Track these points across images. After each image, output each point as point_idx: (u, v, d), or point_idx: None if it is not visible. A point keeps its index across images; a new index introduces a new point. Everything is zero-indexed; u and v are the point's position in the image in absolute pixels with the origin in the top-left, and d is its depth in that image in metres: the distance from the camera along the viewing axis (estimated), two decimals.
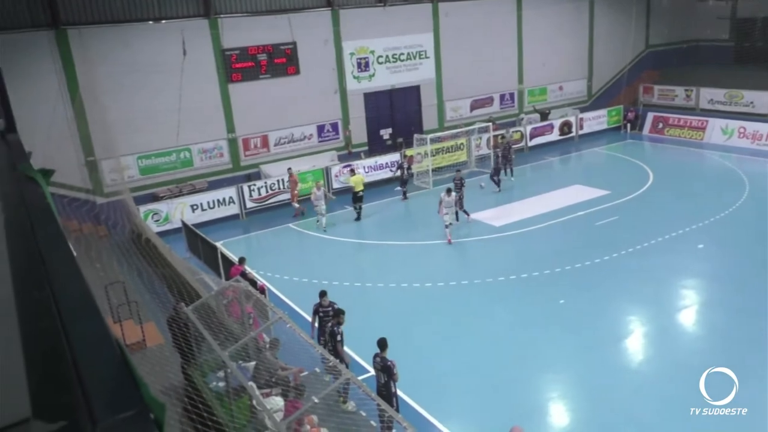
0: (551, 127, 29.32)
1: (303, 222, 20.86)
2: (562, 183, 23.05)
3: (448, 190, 18.12)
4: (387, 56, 26.41)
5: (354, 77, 25.76)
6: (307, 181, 22.50)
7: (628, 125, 30.43)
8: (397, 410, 8.87)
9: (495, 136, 26.17)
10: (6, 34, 18.23)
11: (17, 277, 1.53)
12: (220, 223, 21.09)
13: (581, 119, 30.12)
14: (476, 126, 26.40)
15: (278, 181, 22.40)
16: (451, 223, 17.92)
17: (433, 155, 24.68)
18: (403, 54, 26.82)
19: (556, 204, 20.33)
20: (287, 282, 15.89)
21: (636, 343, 12.32)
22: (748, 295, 13.19)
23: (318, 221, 20.04)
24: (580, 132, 29.90)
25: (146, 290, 13.90)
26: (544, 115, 29.78)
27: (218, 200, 21.53)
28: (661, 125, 29.74)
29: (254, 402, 7.95)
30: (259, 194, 22.25)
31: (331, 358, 8.15)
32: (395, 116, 27.34)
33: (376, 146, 26.68)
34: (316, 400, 7.64)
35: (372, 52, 26.01)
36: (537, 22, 29.79)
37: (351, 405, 9.62)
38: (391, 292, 15.02)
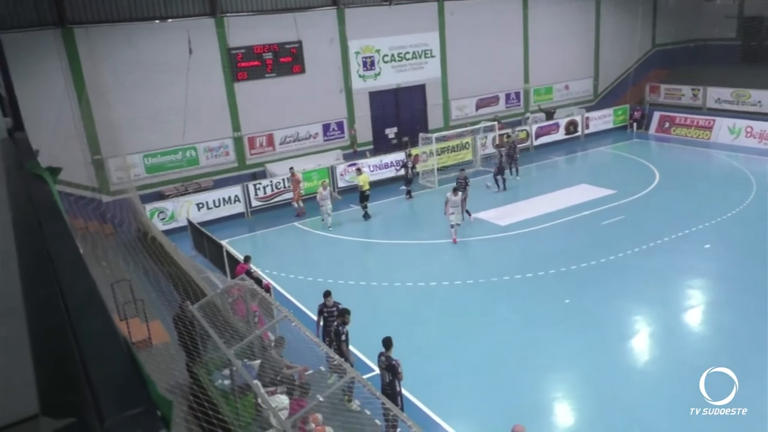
0: (557, 126, 29.24)
1: (308, 221, 20.88)
2: (568, 182, 22.97)
3: (455, 190, 18.08)
4: (392, 55, 26.39)
5: (359, 76, 25.76)
6: (312, 180, 22.54)
7: (635, 124, 30.30)
8: (402, 409, 8.87)
9: (500, 135, 26.12)
10: (13, 33, 18.30)
11: (25, 275, 1.54)
12: (226, 222, 21.14)
13: (587, 118, 30.01)
14: (482, 125, 26.36)
15: (283, 179, 22.42)
16: (458, 224, 17.84)
17: (439, 154, 24.66)
18: (408, 53, 26.79)
19: (562, 203, 20.27)
20: (292, 280, 15.91)
21: (642, 343, 12.27)
22: (755, 295, 13.10)
23: (323, 220, 20.05)
24: (586, 131, 29.80)
25: (152, 288, 13.93)
26: (549, 114, 29.71)
27: (224, 199, 21.58)
28: (667, 125, 29.61)
29: (259, 400, 7.96)
30: (265, 193, 22.28)
31: (336, 356, 8.16)
32: (400, 115, 27.31)
33: (381, 145, 26.67)
34: (321, 399, 7.65)
35: (377, 51, 25.99)
36: (543, 20, 29.70)
37: (356, 404, 9.63)
38: (396, 291, 15.01)
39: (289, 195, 22.08)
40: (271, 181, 22.49)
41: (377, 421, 8.80)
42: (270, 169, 23.70)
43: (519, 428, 7.52)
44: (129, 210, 19.86)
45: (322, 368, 10.11)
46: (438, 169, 24.06)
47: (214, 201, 21.39)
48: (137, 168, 21.62)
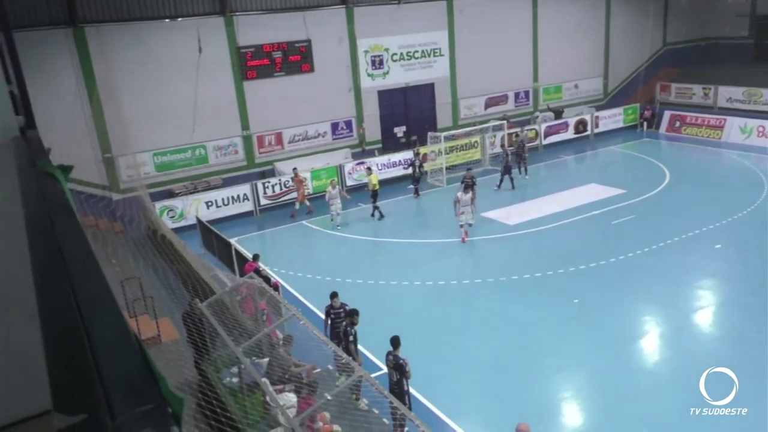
0: (566, 125, 29.10)
1: (316, 219, 20.91)
2: (578, 181, 22.86)
3: (465, 189, 18.01)
4: (401, 54, 26.37)
5: (368, 75, 25.76)
6: (321, 179, 22.56)
7: (645, 124, 30.11)
8: (410, 408, 8.88)
9: (509, 134, 26.03)
10: (25, 32, 18.45)
11: (37, 272, 1.55)
12: (235, 220, 21.21)
13: (597, 117, 29.86)
14: (490, 124, 26.28)
15: (292, 178, 22.47)
16: (470, 224, 17.69)
17: (447, 153, 24.61)
18: (417, 51, 26.75)
19: (571, 203, 20.18)
20: (301, 279, 15.94)
21: (651, 344, 12.20)
22: (766, 296, 12.99)
23: (332, 219, 20.07)
24: (596, 130, 29.65)
25: (162, 286, 14.00)
26: (558, 114, 29.58)
27: (233, 197, 21.66)
28: (678, 124, 29.39)
29: (267, 398, 7.98)
30: (273, 191, 22.34)
31: (344, 355, 8.17)
32: (409, 114, 27.29)
33: (389, 144, 26.66)
34: (329, 397, 7.66)
35: (386, 49, 25.98)
36: (552, 19, 29.56)
37: (364, 402, 9.63)
38: (404, 290, 15.01)
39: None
40: (279, 180, 22.54)
41: (385, 420, 8.79)
42: (279, 167, 23.75)
43: (523, 427, 7.49)
44: (139, 208, 19.98)
45: (330, 367, 10.13)
46: (447, 168, 24.02)
47: (223, 199, 21.48)
48: (147, 166, 21.75)
